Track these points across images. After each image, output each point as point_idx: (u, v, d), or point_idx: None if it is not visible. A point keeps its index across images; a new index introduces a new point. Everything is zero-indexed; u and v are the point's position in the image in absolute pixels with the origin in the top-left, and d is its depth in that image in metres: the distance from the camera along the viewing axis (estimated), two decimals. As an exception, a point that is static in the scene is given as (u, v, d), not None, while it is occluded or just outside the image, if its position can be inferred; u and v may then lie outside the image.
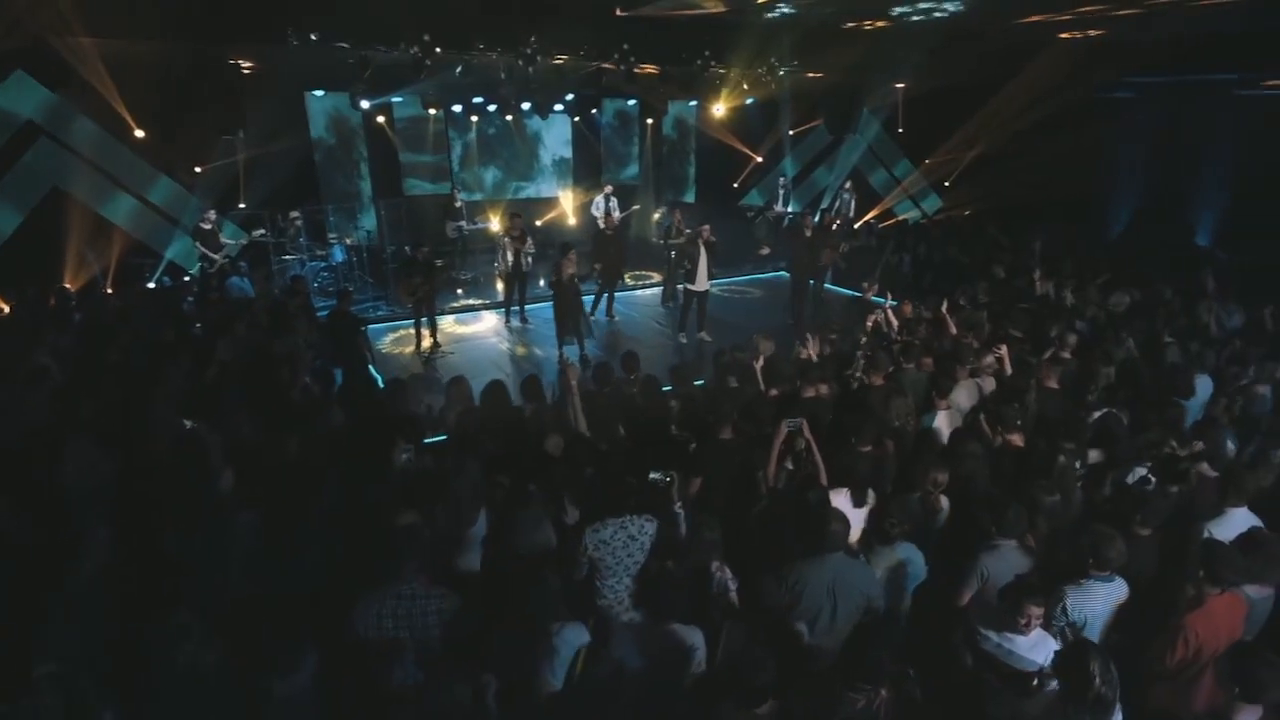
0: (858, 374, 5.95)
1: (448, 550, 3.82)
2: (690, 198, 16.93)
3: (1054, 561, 3.79)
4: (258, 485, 4.21)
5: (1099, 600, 3.44)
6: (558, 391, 5.72)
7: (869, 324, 7.26)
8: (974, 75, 13.33)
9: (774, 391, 5.68)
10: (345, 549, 3.66)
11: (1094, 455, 4.79)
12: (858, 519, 4.18)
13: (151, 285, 10.51)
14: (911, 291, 10.70)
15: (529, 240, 10.58)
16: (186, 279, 10.77)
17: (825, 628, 3.48)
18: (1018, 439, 4.75)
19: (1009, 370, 5.76)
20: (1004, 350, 5.79)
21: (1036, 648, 3.17)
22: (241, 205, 12.07)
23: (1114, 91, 13.55)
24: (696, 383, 6.88)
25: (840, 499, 4.19)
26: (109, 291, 9.78)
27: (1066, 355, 6.13)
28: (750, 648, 2.93)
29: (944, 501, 4.20)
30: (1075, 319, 7.12)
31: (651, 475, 3.78)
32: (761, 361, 5.95)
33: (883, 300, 7.68)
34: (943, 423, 5.15)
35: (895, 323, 7.16)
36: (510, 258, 10.41)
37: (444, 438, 5.10)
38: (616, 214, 12.59)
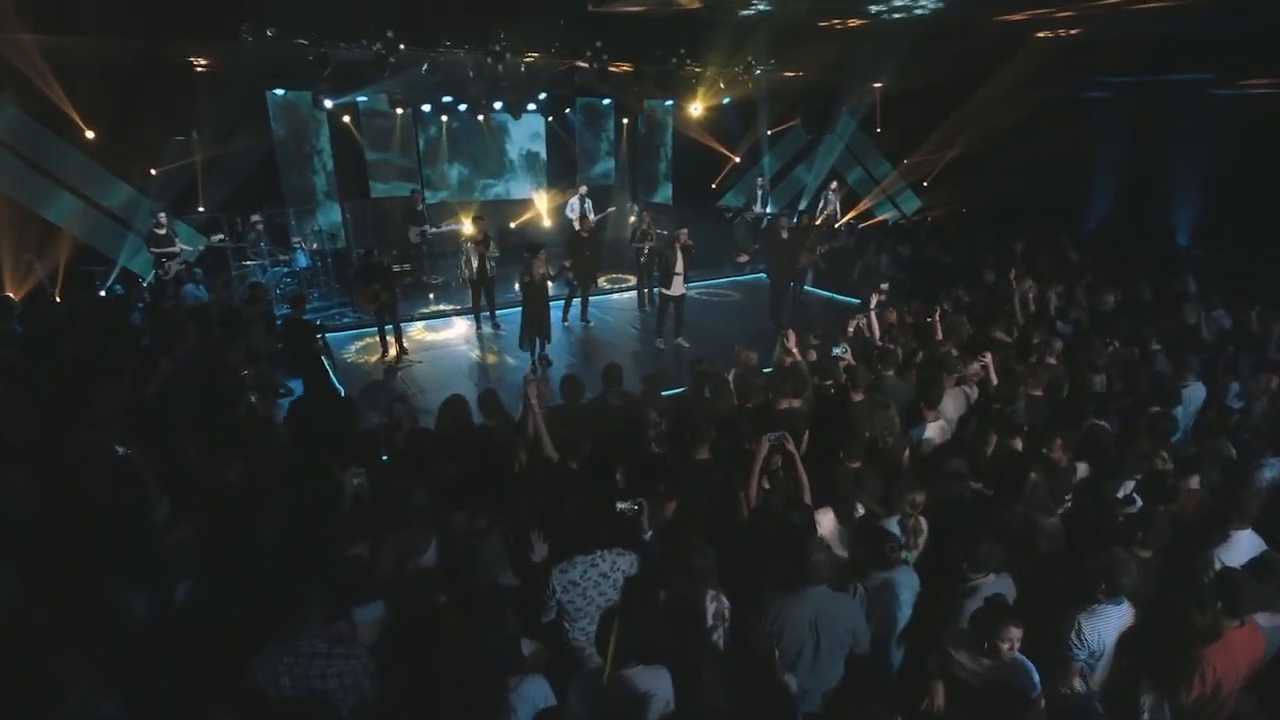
0: (839, 382, 5.69)
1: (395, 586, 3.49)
2: (667, 198, 16.65)
3: (1047, 584, 3.56)
4: (196, 513, 3.88)
5: (1111, 624, 3.23)
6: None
7: (850, 330, 7.01)
8: (951, 75, 13.22)
9: (748, 405, 5.40)
10: (285, 585, 3.32)
11: (1081, 469, 4.57)
12: (840, 539, 3.93)
13: (102, 293, 9.99)
14: (892, 293, 10.58)
15: (492, 244, 10.24)
16: (145, 284, 10.28)
17: (807, 666, 3.23)
18: (1018, 444, 4.52)
19: (995, 379, 5.52)
20: (989, 358, 5.56)
21: (1018, 669, 3.01)
22: (200, 209, 11.61)
23: (1091, 91, 13.53)
24: (670, 392, 6.59)
25: (824, 518, 3.93)
26: (56, 300, 9.26)
27: (1052, 361, 5.93)
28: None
29: (923, 522, 3.95)
30: (1058, 322, 6.92)
31: (619, 505, 3.48)
32: (733, 373, 5.66)
33: (860, 301, 7.41)
34: (933, 435, 4.89)
35: (877, 329, 6.89)
36: (475, 262, 10.05)
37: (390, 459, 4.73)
38: (592, 215, 12.30)
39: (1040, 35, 12.86)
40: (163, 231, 10.05)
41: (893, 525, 3.83)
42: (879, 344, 6.44)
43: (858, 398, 5.19)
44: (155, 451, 4.36)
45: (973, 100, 13.59)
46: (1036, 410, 5.18)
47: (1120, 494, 4.26)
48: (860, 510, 3.99)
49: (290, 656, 2.75)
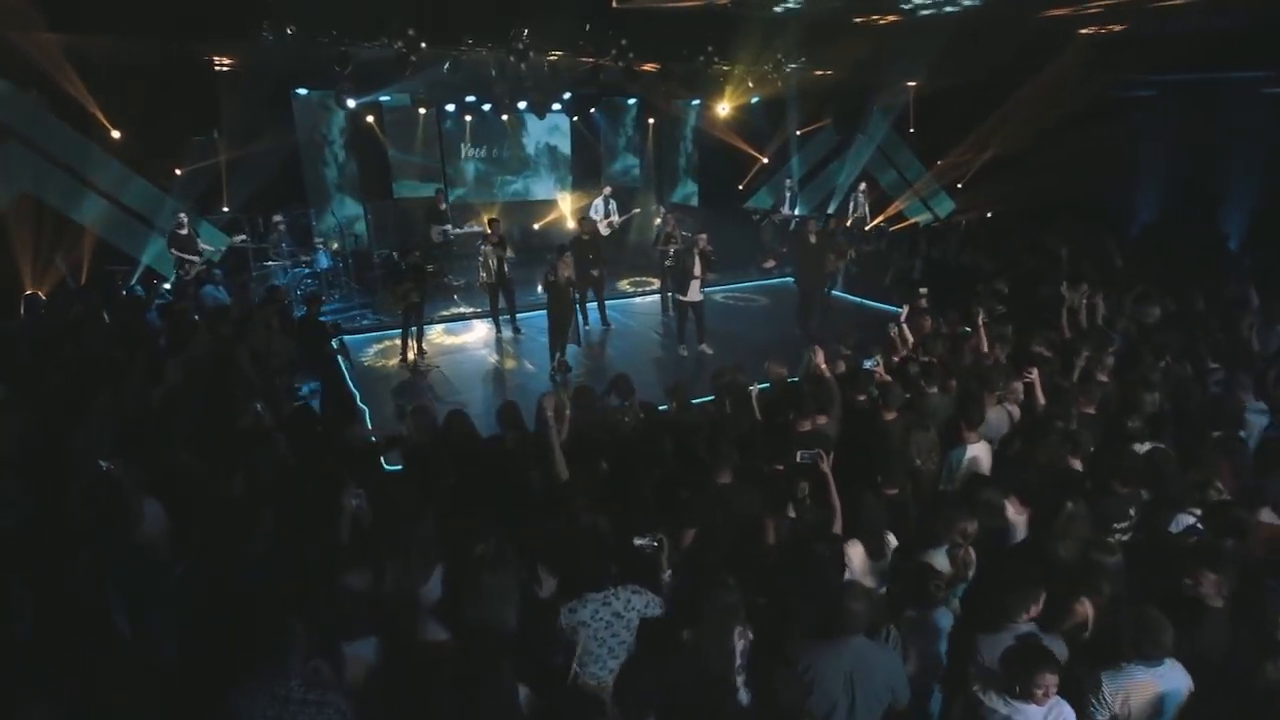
0: (870, 398, 5.36)
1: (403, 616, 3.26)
2: (693, 200, 16.35)
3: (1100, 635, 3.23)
4: (193, 529, 3.70)
5: (1143, 690, 2.90)
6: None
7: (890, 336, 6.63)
8: (989, 73, 12.75)
9: (772, 421, 5.08)
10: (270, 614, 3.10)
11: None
12: (870, 575, 3.62)
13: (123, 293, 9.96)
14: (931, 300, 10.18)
15: (508, 246, 10.03)
16: (166, 286, 10.25)
17: (840, 724, 2.93)
18: (1078, 463, 4.17)
19: (1041, 397, 5.13)
20: (1035, 374, 5.17)
21: (1050, 715, 2.78)
22: (225, 209, 11.58)
23: (1135, 90, 12.98)
24: (694, 401, 6.31)
25: (853, 551, 3.63)
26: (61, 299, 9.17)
27: (1104, 378, 5.53)
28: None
29: (972, 554, 3.63)
30: (1109, 335, 6.49)
31: (637, 541, 3.20)
32: (756, 387, 5.36)
33: (898, 310, 7.03)
34: (976, 458, 4.53)
35: (910, 338, 6.52)
36: (493, 264, 9.85)
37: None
38: (616, 217, 12.06)
39: (1083, 32, 12.37)
40: (184, 232, 10.00)
41: (938, 558, 3.51)
42: (913, 356, 6.08)
43: (890, 416, 4.85)
44: (142, 463, 4.21)
45: (1011, 99, 13.11)
46: (1088, 432, 4.79)
47: (1174, 528, 3.90)
48: (893, 543, 3.67)
49: (265, 698, 2.54)
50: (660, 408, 5.80)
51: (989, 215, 14.37)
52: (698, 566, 3.40)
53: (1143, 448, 4.55)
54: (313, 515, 3.51)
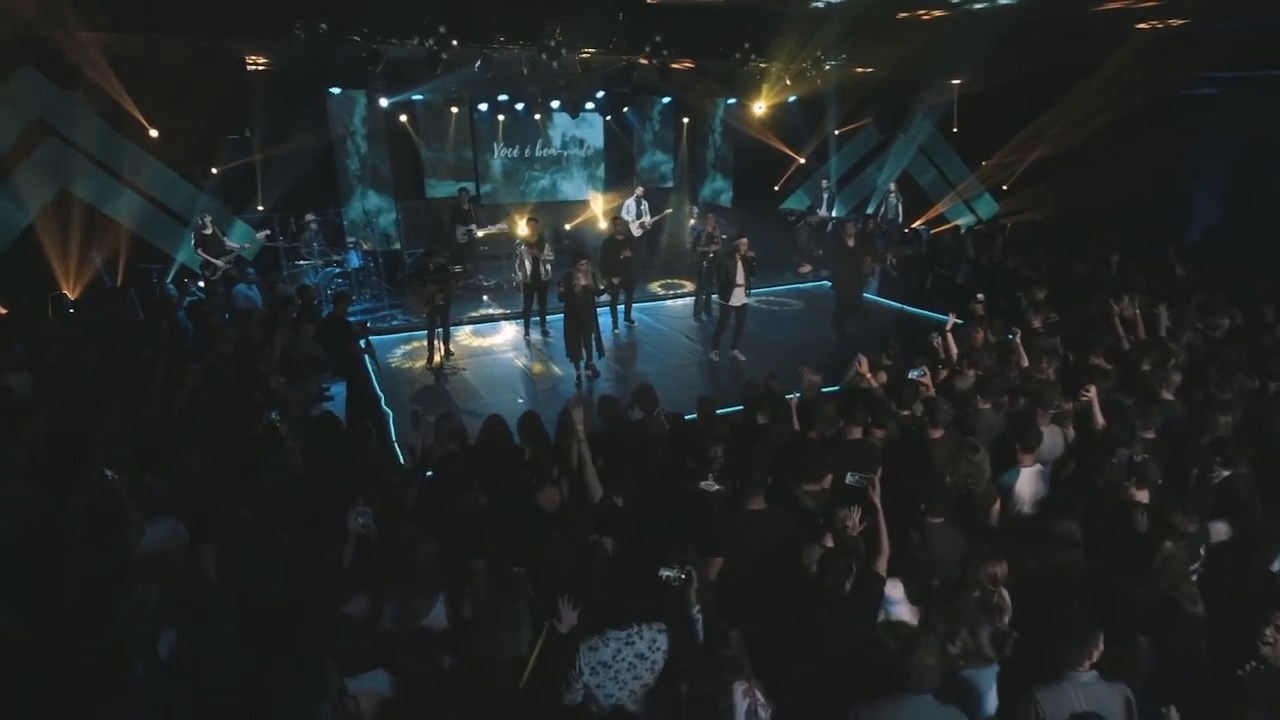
0: (915, 414, 5.03)
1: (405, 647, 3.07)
2: (727, 201, 16.03)
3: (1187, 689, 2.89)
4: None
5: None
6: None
7: (934, 346, 6.28)
8: (1039, 70, 12.21)
9: (811, 434, 4.79)
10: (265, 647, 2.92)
11: (1219, 531, 3.83)
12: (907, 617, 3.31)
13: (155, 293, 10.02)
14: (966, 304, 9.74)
15: (547, 247, 9.86)
16: (201, 284, 10.29)
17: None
18: (1143, 496, 3.82)
19: (1099, 417, 4.75)
20: (1093, 391, 4.78)
21: None
22: (260, 208, 11.61)
23: (1197, 89, 12.35)
24: (725, 410, 6.04)
25: (893, 592, 3.32)
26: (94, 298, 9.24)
27: (1169, 396, 5.13)
28: None
29: (1007, 598, 3.29)
30: (1172, 348, 6.04)
31: (663, 571, 2.95)
32: (796, 398, 5.07)
33: (945, 318, 6.65)
34: (1027, 484, 4.18)
35: (955, 350, 6.16)
36: (529, 266, 9.70)
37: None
38: (648, 217, 11.83)
39: (1141, 26, 11.78)
40: (208, 232, 10.00)
41: (975, 603, 3.18)
42: (959, 369, 5.72)
43: (937, 434, 4.53)
44: (165, 476, 4.09)
45: (1062, 98, 12.56)
46: (1155, 459, 4.41)
47: (1275, 566, 3.53)
48: (936, 582, 3.35)
49: None
50: (688, 417, 5.54)
51: (1037, 219, 13.80)
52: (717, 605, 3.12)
53: (1217, 475, 4.16)
54: (318, 536, 3.33)
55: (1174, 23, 11.44)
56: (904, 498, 3.83)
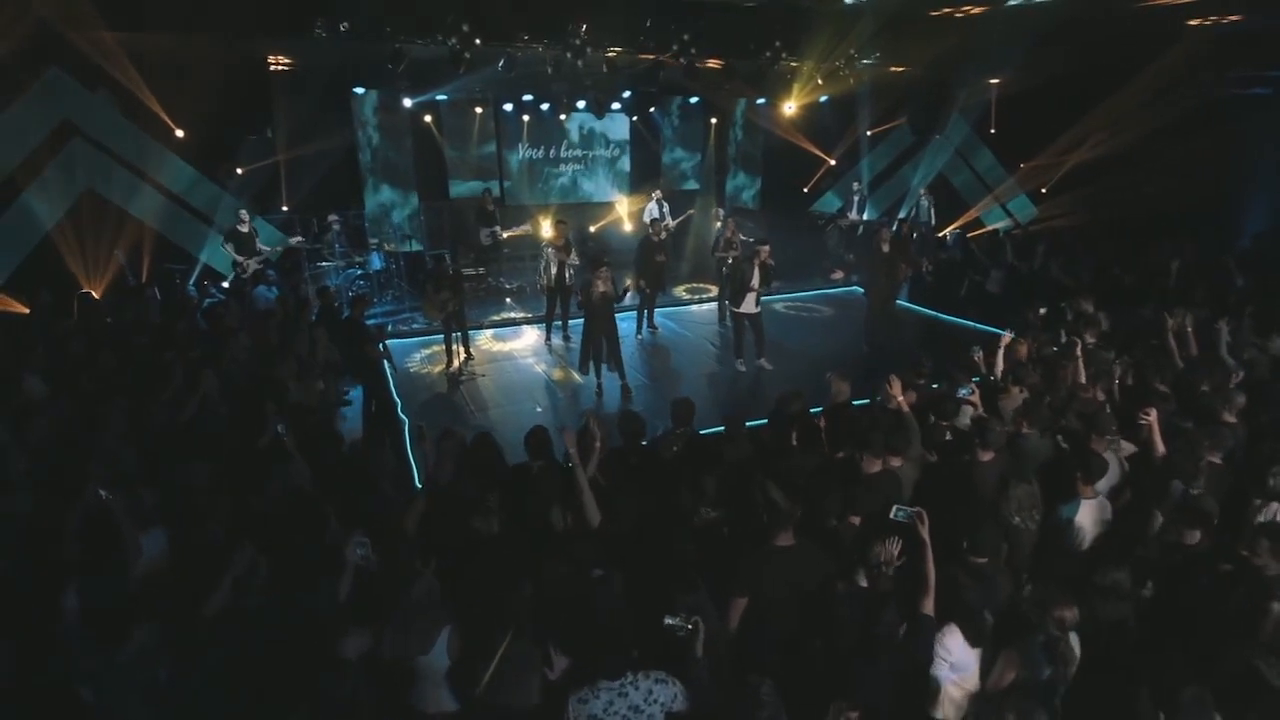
0: (958, 434, 4.71)
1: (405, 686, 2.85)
2: (749, 199, 15.68)
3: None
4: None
5: None
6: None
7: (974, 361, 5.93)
8: (1083, 69, 11.73)
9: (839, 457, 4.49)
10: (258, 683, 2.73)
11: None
12: (970, 664, 3.02)
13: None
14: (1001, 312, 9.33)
15: (573, 251, 9.65)
16: (225, 284, 10.24)
17: None
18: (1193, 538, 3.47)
19: (1160, 444, 4.38)
20: (1154, 415, 4.42)
21: None
22: (284, 208, 11.56)
23: (1250, 88, 11.77)
24: (753, 423, 5.75)
25: (951, 640, 3.02)
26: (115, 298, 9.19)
27: (1231, 419, 4.74)
28: None
29: (1075, 645, 3.00)
30: (1233, 365, 5.64)
31: (667, 620, 2.70)
32: (824, 422, 4.75)
33: (983, 327, 6.28)
34: (1089, 517, 3.82)
35: (1000, 365, 5.80)
36: (554, 269, 9.50)
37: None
38: (670, 220, 11.57)
39: (1192, 23, 11.25)
40: (245, 229, 9.93)
41: (1030, 650, 2.89)
42: (1004, 386, 5.37)
43: (986, 457, 4.20)
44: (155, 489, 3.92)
45: (1108, 98, 12.05)
46: (1217, 487, 4.06)
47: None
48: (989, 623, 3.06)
49: None
50: (703, 432, 5.25)
51: (1077, 224, 13.28)
52: (742, 654, 2.85)
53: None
54: (314, 564, 3.12)
55: (1227, 19, 10.91)
56: (943, 529, 3.54)
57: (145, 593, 3.17)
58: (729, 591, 3.12)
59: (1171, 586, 3.26)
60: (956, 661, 2.95)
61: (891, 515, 3.13)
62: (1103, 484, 4.21)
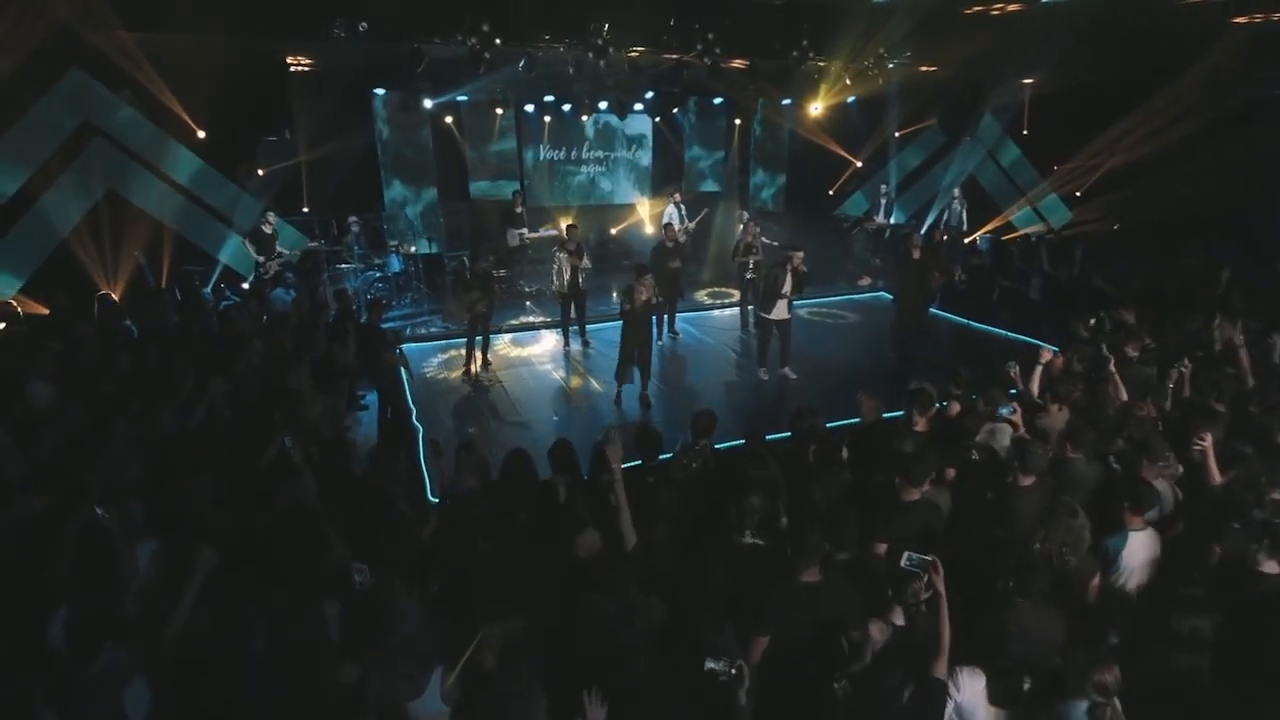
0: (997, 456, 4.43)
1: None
2: (768, 198, 15.38)
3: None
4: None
5: None
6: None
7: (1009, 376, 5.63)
8: (1121, 69, 11.33)
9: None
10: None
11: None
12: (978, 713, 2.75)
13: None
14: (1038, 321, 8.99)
15: (585, 255, 9.46)
16: (245, 285, 10.20)
17: None
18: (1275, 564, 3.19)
19: (1215, 472, 4.08)
20: (1208, 440, 4.12)
21: None
22: (305, 209, 11.51)
23: (1284, 88, 11.30)
24: (774, 437, 5.53)
25: (970, 683, 2.76)
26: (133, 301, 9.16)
27: (1289, 443, 4.42)
28: None
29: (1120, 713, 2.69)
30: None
31: (709, 664, 2.48)
32: (846, 451, 4.50)
33: (1018, 337, 5.98)
34: (1138, 550, 3.52)
35: (1037, 382, 5.49)
36: (566, 273, 9.32)
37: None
38: (689, 223, 11.35)
39: (1236, 20, 10.81)
40: (269, 230, 9.89)
41: (1078, 714, 2.61)
42: (1043, 405, 5.08)
43: (1027, 482, 3.93)
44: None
45: (1147, 98, 11.63)
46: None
47: None
48: (1027, 683, 2.78)
49: None
50: (720, 446, 5.02)
51: (1115, 227, 12.85)
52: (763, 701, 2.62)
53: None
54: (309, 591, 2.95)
55: (1274, 16, 10.47)
56: (975, 563, 3.28)
57: (128, 610, 3.04)
58: (750, 630, 2.90)
59: (1248, 625, 2.95)
60: (963, 703, 2.68)
61: (902, 563, 2.89)
62: (1151, 513, 3.93)
